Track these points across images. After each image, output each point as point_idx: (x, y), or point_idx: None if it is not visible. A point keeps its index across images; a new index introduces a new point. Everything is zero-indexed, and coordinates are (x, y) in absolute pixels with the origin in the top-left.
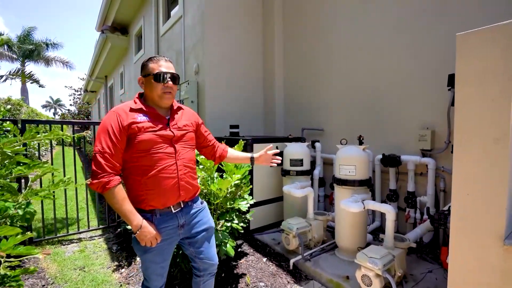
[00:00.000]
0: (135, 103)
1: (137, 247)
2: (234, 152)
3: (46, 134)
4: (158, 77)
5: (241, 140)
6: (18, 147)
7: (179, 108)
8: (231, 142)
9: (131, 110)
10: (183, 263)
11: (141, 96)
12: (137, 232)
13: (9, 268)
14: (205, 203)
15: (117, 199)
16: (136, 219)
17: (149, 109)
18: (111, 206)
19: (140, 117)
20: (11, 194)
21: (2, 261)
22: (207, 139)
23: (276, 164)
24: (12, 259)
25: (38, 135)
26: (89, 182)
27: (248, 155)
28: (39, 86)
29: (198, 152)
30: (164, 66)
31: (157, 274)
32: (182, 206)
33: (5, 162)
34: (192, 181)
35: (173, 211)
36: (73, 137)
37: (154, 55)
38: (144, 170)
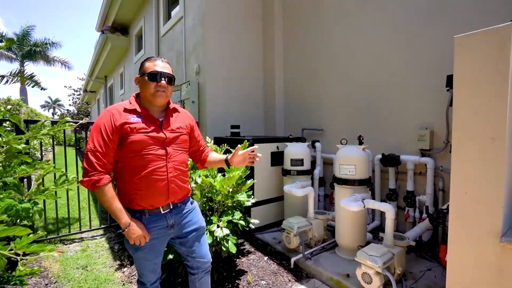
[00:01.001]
0: (130, 103)
1: (128, 245)
2: (212, 155)
3: (51, 127)
4: (152, 76)
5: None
6: (23, 145)
7: (175, 110)
8: (233, 142)
9: (125, 110)
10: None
11: (137, 96)
12: (125, 230)
13: (27, 266)
14: (195, 203)
15: (106, 198)
16: (124, 218)
17: (143, 110)
18: (101, 204)
19: (133, 118)
20: (18, 192)
21: (19, 259)
22: (198, 143)
23: (254, 163)
24: (28, 257)
25: (42, 130)
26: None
27: (223, 157)
28: (41, 89)
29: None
30: (159, 66)
31: (149, 271)
32: (172, 207)
33: (11, 160)
34: (183, 183)
35: (162, 212)
36: (75, 136)
37: (153, 55)
38: (135, 171)
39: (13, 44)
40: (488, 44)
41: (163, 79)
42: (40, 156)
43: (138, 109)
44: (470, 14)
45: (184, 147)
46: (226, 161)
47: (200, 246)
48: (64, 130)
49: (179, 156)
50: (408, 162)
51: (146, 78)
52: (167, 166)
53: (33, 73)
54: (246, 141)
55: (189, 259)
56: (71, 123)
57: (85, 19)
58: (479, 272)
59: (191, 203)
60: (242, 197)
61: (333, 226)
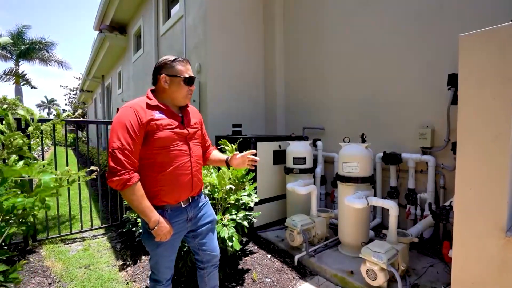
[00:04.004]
0: (150, 99)
1: (149, 242)
2: (214, 154)
3: (52, 119)
4: (188, 81)
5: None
6: (25, 140)
7: (187, 106)
8: (235, 141)
9: (148, 106)
10: (189, 258)
11: (152, 92)
12: (155, 227)
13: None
14: (207, 197)
15: (136, 196)
16: (154, 216)
17: (164, 106)
18: (129, 203)
19: (158, 114)
20: (24, 191)
21: None
22: (204, 139)
23: (253, 167)
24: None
25: (42, 125)
26: (107, 180)
27: (224, 157)
28: (31, 88)
29: None
30: (190, 70)
31: (166, 267)
32: (191, 200)
33: (16, 157)
34: (201, 177)
35: (183, 206)
36: (76, 135)
37: (174, 56)
38: (161, 167)
39: (8, 43)
40: (491, 43)
41: (193, 84)
42: (37, 155)
43: (161, 105)
44: (469, 14)
45: (200, 142)
46: (226, 162)
47: (212, 239)
48: (66, 129)
49: (198, 150)
50: (409, 160)
51: (182, 81)
52: (191, 161)
53: (23, 71)
54: (235, 144)
55: (199, 253)
56: (69, 114)
57: (83, 18)
58: (483, 267)
59: (204, 197)
60: (244, 196)
61: (335, 224)
